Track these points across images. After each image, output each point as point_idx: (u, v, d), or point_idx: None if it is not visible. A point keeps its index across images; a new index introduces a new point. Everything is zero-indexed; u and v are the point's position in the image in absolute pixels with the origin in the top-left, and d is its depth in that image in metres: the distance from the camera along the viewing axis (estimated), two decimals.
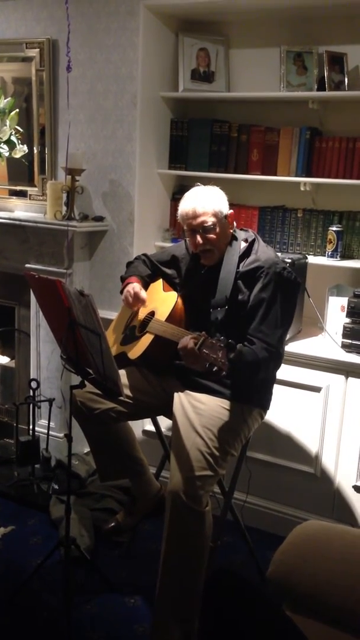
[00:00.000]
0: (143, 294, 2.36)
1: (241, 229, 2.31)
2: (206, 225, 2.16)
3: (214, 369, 1.83)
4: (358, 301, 2.62)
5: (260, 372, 2.09)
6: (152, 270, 2.50)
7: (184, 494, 1.99)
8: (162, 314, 2.26)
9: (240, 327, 2.11)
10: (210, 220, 2.16)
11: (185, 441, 2.07)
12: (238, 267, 2.17)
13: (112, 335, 2.53)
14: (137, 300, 2.35)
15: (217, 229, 2.17)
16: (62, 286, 1.98)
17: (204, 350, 1.87)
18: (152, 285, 2.46)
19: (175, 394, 2.23)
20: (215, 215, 2.16)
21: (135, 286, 2.36)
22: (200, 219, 2.16)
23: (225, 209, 2.20)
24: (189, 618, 2.04)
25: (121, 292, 2.43)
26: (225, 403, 2.17)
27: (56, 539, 2.63)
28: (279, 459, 2.77)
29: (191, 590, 2.04)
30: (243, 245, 2.22)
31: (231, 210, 2.22)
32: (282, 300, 2.12)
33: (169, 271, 2.46)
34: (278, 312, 2.11)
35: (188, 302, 2.30)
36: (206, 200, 2.18)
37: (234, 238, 2.24)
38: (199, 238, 2.18)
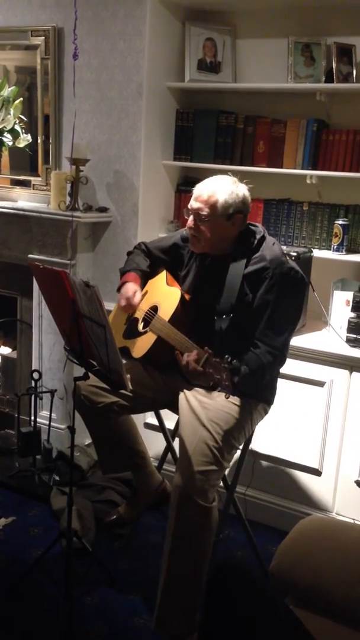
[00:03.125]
0: (136, 299, 2.33)
1: (250, 224, 2.21)
2: (200, 213, 2.11)
3: (217, 390, 1.80)
4: None
5: (265, 376, 2.08)
6: (150, 260, 2.46)
7: (191, 489, 1.98)
8: (165, 312, 2.21)
9: (245, 336, 2.08)
10: (205, 210, 2.09)
11: (192, 436, 2.05)
12: (245, 267, 2.11)
13: (111, 325, 2.50)
14: (130, 307, 2.33)
15: (210, 224, 2.10)
16: (67, 277, 1.96)
17: (208, 369, 1.84)
18: (155, 279, 2.42)
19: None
20: (213, 208, 2.08)
21: (129, 289, 2.33)
22: (197, 205, 2.12)
23: (233, 209, 2.09)
24: (192, 611, 2.04)
25: (118, 289, 2.40)
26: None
27: (57, 530, 2.63)
28: (281, 453, 2.76)
29: (194, 584, 2.04)
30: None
31: (240, 214, 2.12)
32: (289, 302, 2.08)
33: (164, 257, 2.42)
34: (284, 314, 2.07)
35: (191, 299, 2.25)
36: (214, 191, 2.09)
37: (246, 239, 2.15)
38: (190, 220, 2.15)
